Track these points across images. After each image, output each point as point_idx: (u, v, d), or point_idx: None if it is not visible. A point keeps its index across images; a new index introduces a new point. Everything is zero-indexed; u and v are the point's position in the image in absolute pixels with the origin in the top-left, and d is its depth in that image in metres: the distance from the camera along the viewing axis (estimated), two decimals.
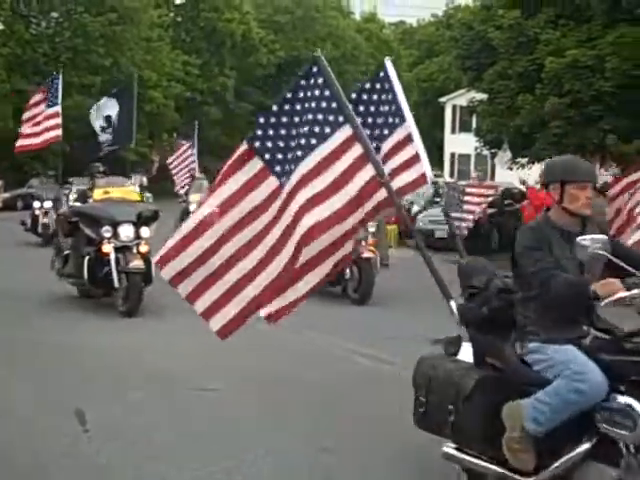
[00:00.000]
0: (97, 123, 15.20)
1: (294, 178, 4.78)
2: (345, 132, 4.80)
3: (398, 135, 5.30)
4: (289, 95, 4.95)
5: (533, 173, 20.16)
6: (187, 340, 8.51)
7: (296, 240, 4.69)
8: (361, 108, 5.31)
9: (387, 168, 5.05)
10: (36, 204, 20.07)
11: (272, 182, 4.84)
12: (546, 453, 3.94)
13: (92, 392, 6.77)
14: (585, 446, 3.82)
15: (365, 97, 5.41)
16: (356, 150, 4.78)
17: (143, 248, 10.58)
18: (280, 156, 4.86)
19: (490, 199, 17.89)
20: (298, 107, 4.90)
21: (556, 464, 3.88)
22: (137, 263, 10.27)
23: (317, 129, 4.83)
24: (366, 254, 11.61)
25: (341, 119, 4.82)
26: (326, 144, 4.80)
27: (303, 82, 4.95)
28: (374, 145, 5.07)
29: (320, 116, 4.84)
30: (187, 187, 22.93)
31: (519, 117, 21.50)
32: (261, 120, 4.97)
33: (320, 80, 4.90)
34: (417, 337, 9.33)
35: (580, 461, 3.83)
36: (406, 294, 12.44)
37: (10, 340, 8.70)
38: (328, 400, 6.68)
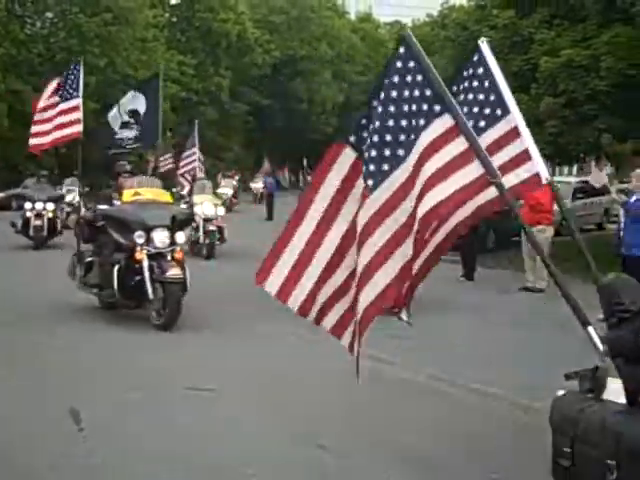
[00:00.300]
0: (117, 120, 13.54)
1: (393, 180, 4.29)
2: (444, 122, 4.29)
3: (501, 129, 4.66)
4: (386, 81, 4.39)
5: None
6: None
7: (415, 232, 4.27)
8: (459, 97, 4.79)
9: None
10: (27, 205, 18.90)
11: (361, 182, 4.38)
12: None
13: (89, 391, 6.76)
14: None
15: (458, 85, 4.90)
16: (459, 144, 4.26)
17: (178, 255, 9.76)
18: (374, 153, 4.33)
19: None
20: (394, 94, 4.35)
21: None
22: (175, 272, 9.36)
23: (410, 122, 4.32)
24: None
25: (438, 108, 4.30)
26: (421, 139, 4.31)
27: (399, 64, 4.39)
28: None
29: (414, 107, 4.33)
30: (187, 188, 22.88)
31: None
32: (363, 122, 4.48)
33: (411, 64, 4.38)
34: (417, 338, 9.36)
35: None
36: None
37: (10, 340, 8.70)
38: (328, 400, 6.68)
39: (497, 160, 4.49)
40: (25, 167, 34.60)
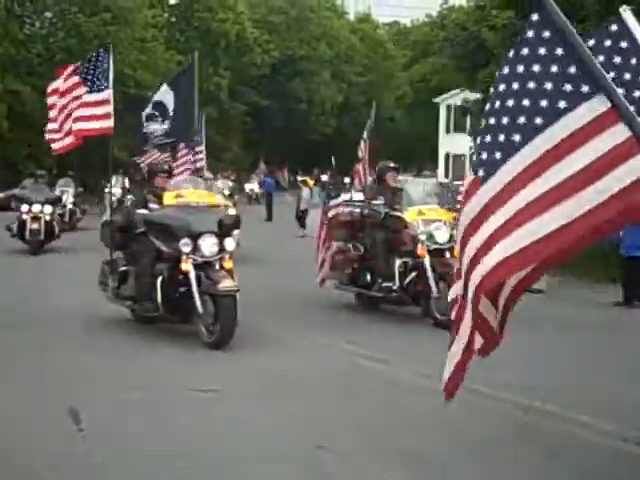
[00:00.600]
0: (142, 113, 12.42)
1: (514, 168, 3.69)
2: (596, 106, 3.54)
3: None
4: (512, 54, 3.80)
5: None
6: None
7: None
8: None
9: None
10: (24, 207, 17.74)
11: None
12: None
13: (89, 391, 6.75)
14: None
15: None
16: (618, 133, 3.48)
17: (228, 264, 8.79)
18: (489, 139, 3.82)
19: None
20: (520, 69, 3.75)
21: None
22: (228, 283, 8.42)
23: (536, 103, 3.68)
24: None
25: (586, 89, 3.56)
26: (559, 125, 3.60)
27: (531, 33, 3.72)
28: None
29: (548, 85, 3.66)
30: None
31: None
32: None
33: (546, 34, 3.67)
34: (416, 336, 9.38)
35: None
36: None
37: (10, 341, 8.69)
38: (327, 399, 6.67)
39: None
40: (25, 167, 34.56)
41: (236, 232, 9.43)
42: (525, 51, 3.72)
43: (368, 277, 10.79)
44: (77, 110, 11.66)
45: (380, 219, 10.70)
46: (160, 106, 12.17)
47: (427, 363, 7.82)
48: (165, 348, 8.55)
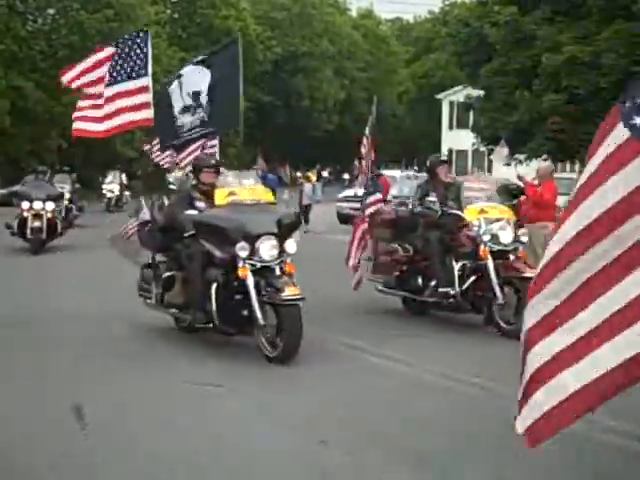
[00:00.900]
0: (176, 104, 10.97)
1: None
2: None
3: None
4: None
5: (531, 169, 20.16)
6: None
7: None
8: None
9: None
10: (24, 205, 17.17)
11: None
12: None
13: (89, 391, 6.74)
14: None
15: None
16: None
17: (290, 268, 8.01)
18: None
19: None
20: None
21: None
22: (292, 291, 7.58)
23: None
24: (527, 272, 8.56)
25: None
26: None
27: None
28: None
29: None
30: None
31: (517, 113, 21.50)
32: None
33: None
34: (416, 336, 9.33)
35: None
36: None
37: (9, 340, 8.68)
38: (327, 398, 6.66)
39: None
40: (27, 163, 34.61)
41: (297, 233, 8.62)
42: None
43: (419, 281, 9.97)
44: (117, 100, 10.83)
45: (436, 218, 9.86)
46: (197, 96, 10.79)
47: (428, 360, 7.82)
48: (170, 347, 8.55)
